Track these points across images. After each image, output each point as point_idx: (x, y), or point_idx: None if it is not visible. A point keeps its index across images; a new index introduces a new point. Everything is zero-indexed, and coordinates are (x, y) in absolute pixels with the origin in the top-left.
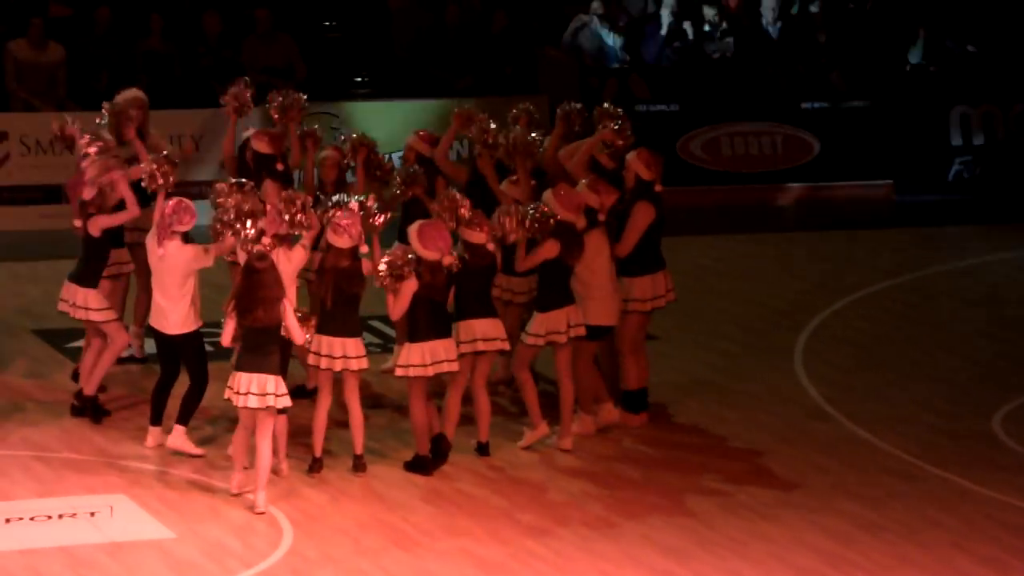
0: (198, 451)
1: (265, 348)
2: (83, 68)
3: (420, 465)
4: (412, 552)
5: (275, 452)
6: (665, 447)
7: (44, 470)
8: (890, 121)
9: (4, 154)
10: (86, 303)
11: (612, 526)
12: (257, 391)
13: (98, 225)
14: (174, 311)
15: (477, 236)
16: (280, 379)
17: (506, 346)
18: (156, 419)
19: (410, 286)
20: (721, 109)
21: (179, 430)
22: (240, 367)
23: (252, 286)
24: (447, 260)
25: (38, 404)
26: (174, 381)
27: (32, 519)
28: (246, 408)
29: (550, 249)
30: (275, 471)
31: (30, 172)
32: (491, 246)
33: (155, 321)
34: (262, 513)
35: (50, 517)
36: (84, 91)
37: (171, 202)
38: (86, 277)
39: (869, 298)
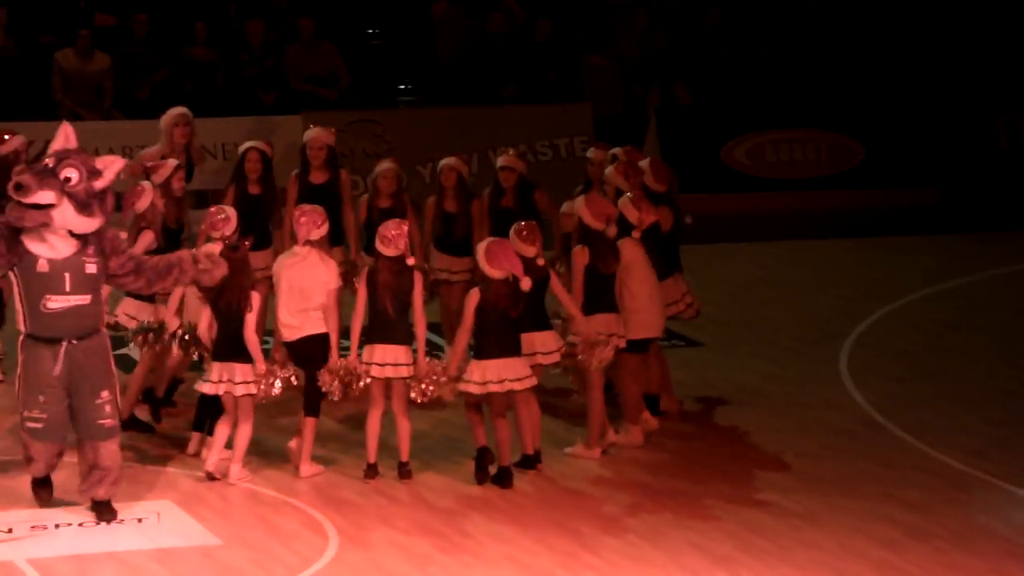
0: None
1: (236, 335)
2: (128, 77)
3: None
4: (458, 559)
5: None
6: (712, 456)
7: None
8: (936, 126)
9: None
10: (137, 314)
11: (660, 534)
12: (228, 378)
13: (146, 243)
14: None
15: (529, 250)
16: (248, 367)
17: (557, 358)
18: (198, 425)
19: (472, 298)
20: (765, 115)
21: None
22: (215, 356)
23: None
24: (524, 283)
25: None
26: None
27: (81, 525)
28: (226, 395)
29: (580, 256)
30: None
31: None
32: (541, 260)
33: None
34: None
35: (98, 523)
36: (129, 100)
37: (211, 209)
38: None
39: (916, 305)
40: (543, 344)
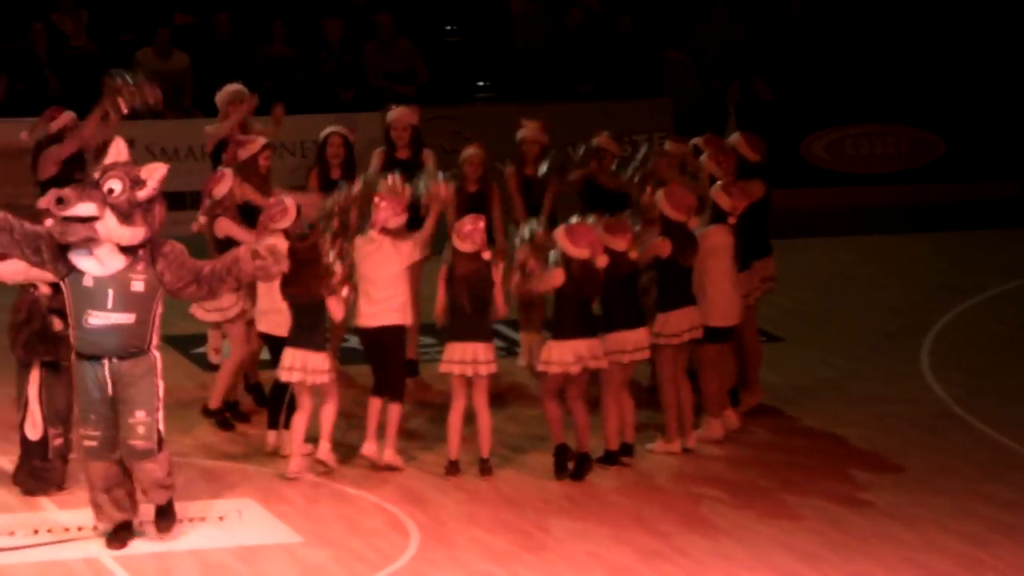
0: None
1: (312, 325)
2: (207, 75)
3: (561, 456)
4: (540, 556)
5: (321, 436)
6: (793, 451)
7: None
8: (1017, 119)
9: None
10: (223, 306)
11: (741, 529)
12: (300, 366)
13: (222, 228)
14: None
15: (619, 243)
16: (324, 355)
17: (647, 355)
18: (273, 422)
19: (557, 277)
20: (845, 110)
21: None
22: (289, 342)
23: (291, 263)
24: (600, 260)
25: (167, 410)
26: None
27: None
28: (293, 383)
29: (662, 248)
30: (319, 460)
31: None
32: (634, 254)
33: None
34: (327, 467)
35: (180, 521)
36: (208, 98)
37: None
38: None
39: (997, 299)
40: (636, 342)
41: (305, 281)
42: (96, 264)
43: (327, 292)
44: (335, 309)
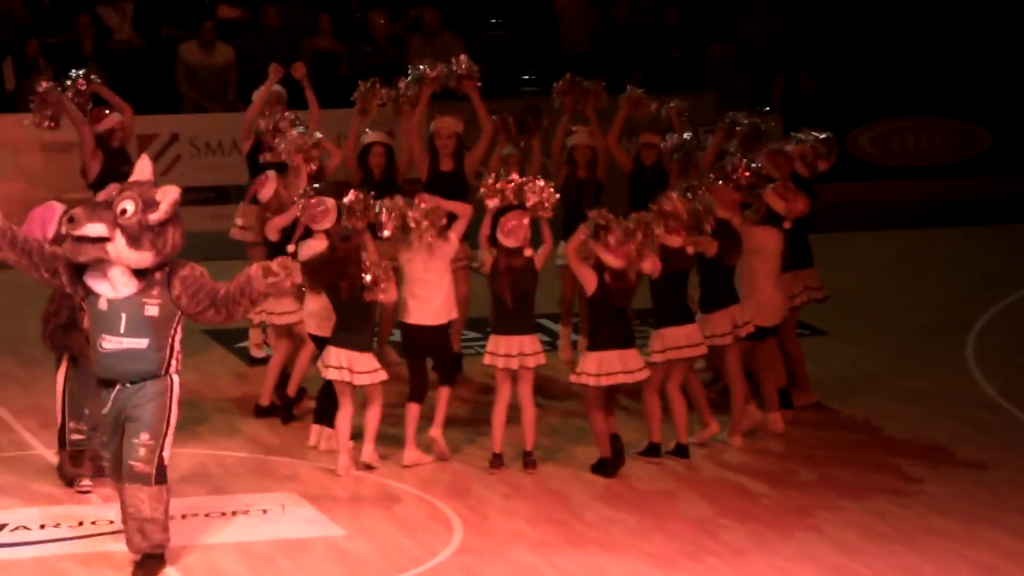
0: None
1: (355, 324)
2: (251, 69)
3: (603, 467)
4: (583, 548)
5: (365, 438)
6: (837, 444)
7: (217, 468)
8: None
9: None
10: (271, 307)
11: (784, 522)
12: (347, 365)
13: (274, 227)
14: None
15: (674, 240)
16: (369, 356)
17: (703, 351)
18: (319, 417)
19: (591, 276)
20: (891, 103)
21: (327, 432)
22: (333, 341)
23: (334, 263)
24: (646, 267)
25: (210, 403)
26: None
27: (207, 516)
28: (340, 382)
29: (708, 247)
30: (363, 463)
31: (200, 174)
32: (690, 249)
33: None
34: (371, 468)
35: (224, 514)
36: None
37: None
38: None
39: None
40: (687, 337)
41: (348, 280)
42: (109, 287)
43: (368, 293)
44: (386, 298)
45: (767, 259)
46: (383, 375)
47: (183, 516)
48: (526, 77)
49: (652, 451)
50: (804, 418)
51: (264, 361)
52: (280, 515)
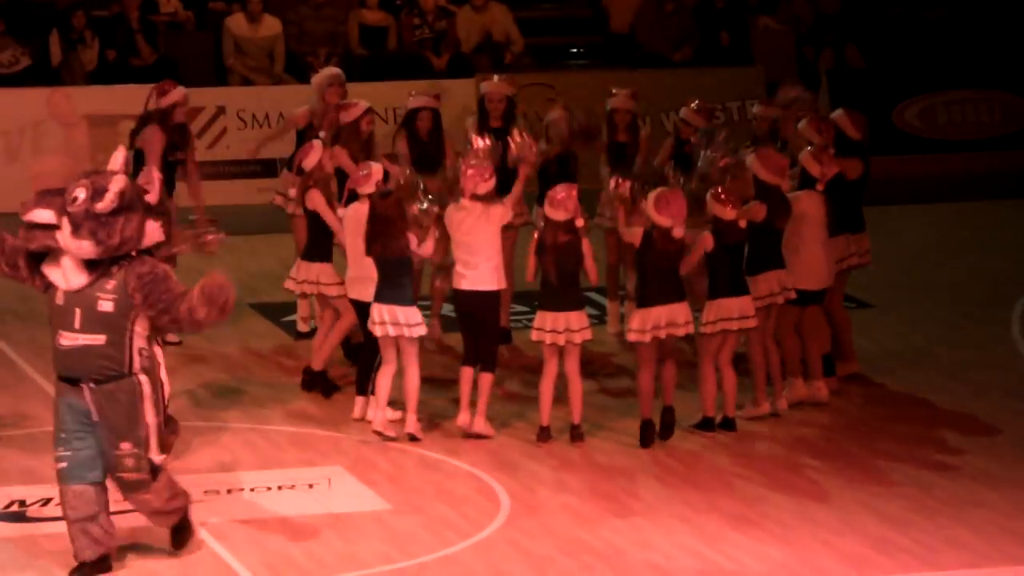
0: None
1: (398, 280)
2: (298, 42)
3: (643, 431)
4: (630, 522)
5: (408, 408)
6: (883, 417)
7: (263, 443)
8: None
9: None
10: (318, 278)
11: (830, 495)
12: (391, 320)
13: (313, 200)
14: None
15: (728, 213)
16: (414, 309)
17: (754, 323)
18: (361, 388)
19: (637, 236)
20: (937, 76)
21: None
22: (377, 299)
23: (375, 221)
24: (677, 232)
25: (257, 378)
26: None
27: (252, 490)
28: (385, 337)
29: (757, 211)
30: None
31: (247, 146)
32: (743, 223)
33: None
34: (416, 439)
35: (270, 488)
36: (301, 65)
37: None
38: (314, 253)
39: None
40: (741, 309)
41: (388, 237)
42: (61, 278)
43: (414, 242)
44: (426, 249)
45: (810, 223)
46: (424, 329)
47: (228, 491)
48: (574, 51)
49: (706, 425)
50: (850, 390)
51: (310, 335)
52: (327, 489)
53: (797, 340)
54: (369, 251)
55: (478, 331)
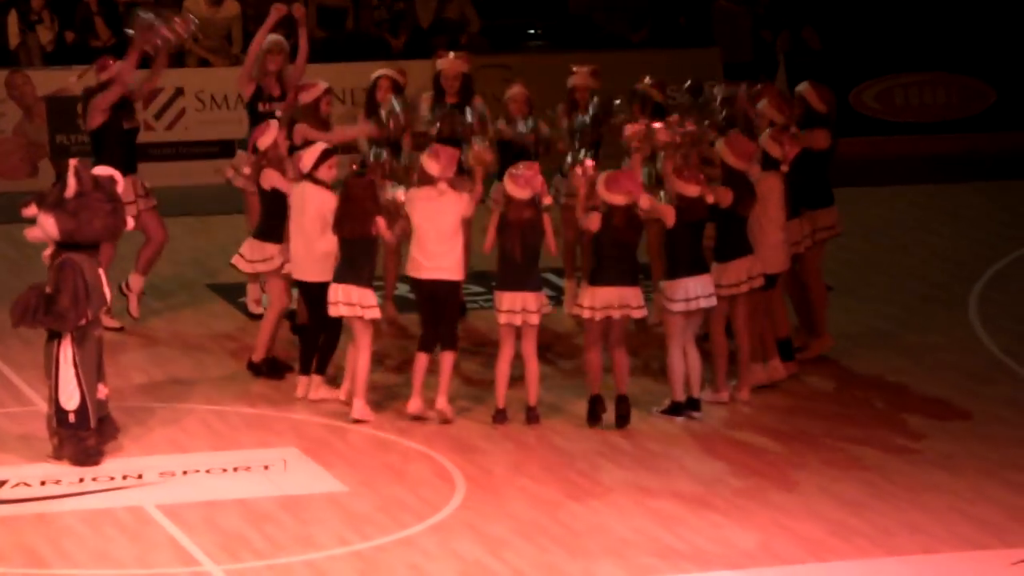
0: (340, 396)
1: (360, 261)
2: (257, 23)
3: (591, 407)
4: (587, 504)
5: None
6: (843, 399)
7: (219, 423)
8: None
9: None
10: (269, 256)
11: (789, 478)
12: (345, 300)
13: (268, 180)
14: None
15: (691, 190)
16: (371, 291)
17: (714, 302)
18: (305, 367)
19: (594, 221)
20: (895, 59)
21: (317, 379)
22: (336, 278)
23: (346, 201)
24: (644, 201)
25: (213, 358)
26: (322, 330)
27: (208, 472)
28: (349, 318)
29: (723, 196)
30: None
31: (204, 127)
32: (710, 198)
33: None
34: (359, 420)
35: (225, 470)
36: None
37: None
38: (266, 232)
39: None
40: (702, 287)
41: (356, 218)
42: None
43: (384, 227)
44: (394, 235)
45: (769, 205)
46: (378, 312)
47: (184, 472)
48: (532, 31)
49: (675, 409)
50: (810, 373)
51: (261, 317)
52: (282, 471)
53: (763, 325)
54: (336, 230)
55: (438, 316)
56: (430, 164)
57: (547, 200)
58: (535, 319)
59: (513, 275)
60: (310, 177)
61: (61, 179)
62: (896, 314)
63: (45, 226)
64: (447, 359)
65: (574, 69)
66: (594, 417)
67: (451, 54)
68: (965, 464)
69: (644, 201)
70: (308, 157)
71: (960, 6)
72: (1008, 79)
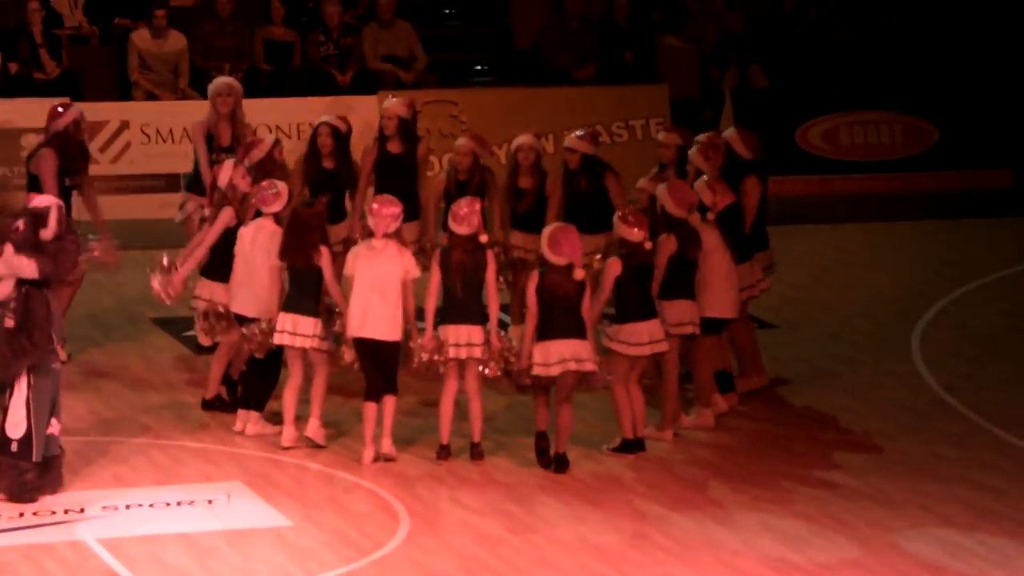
0: (274, 430)
1: (307, 291)
2: (204, 57)
3: (539, 444)
4: (529, 540)
5: (312, 413)
6: (784, 437)
7: (163, 457)
8: (1011, 108)
9: None
10: (212, 295)
11: (731, 515)
12: (293, 330)
13: (224, 219)
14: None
15: (635, 235)
16: (317, 321)
17: (665, 347)
18: (245, 402)
19: (532, 282)
20: (841, 97)
21: (255, 415)
22: (284, 308)
23: (295, 229)
24: (578, 274)
25: (157, 392)
26: (261, 365)
27: (151, 506)
28: (291, 349)
29: (667, 243)
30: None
31: (151, 161)
32: (648, 244)
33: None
34: (320, 446)
35: (169, 504)
36: (205, 80)
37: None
38: (213, 270)
39: (992, 287)
40: (650, 333)
41: (304, 247)
42: None
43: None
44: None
45: (710, 253)
46: (329, 344)
47: (127, 507)
48: (479, 67)
49: (625, 447)
50: (754, 410)
51: (211, 349)
52: (226, 505)
53: (705, 368)
54: (283, 256)
55: (381, 368)
56: (370, 219)
57: (484, 238)
58: (479, 352)
59: (458, 308)
60: (275, 216)
61: (2, 212)
62: (840, 351)
63: (19, 267)
64: (388, 404)
65: (389, 95)
66: (542, 454)
67: (391, 96)
68: (905, 500)
69: (578, 273)
70: (276, 198)
71: (906, 46)
72: (952, 119)
